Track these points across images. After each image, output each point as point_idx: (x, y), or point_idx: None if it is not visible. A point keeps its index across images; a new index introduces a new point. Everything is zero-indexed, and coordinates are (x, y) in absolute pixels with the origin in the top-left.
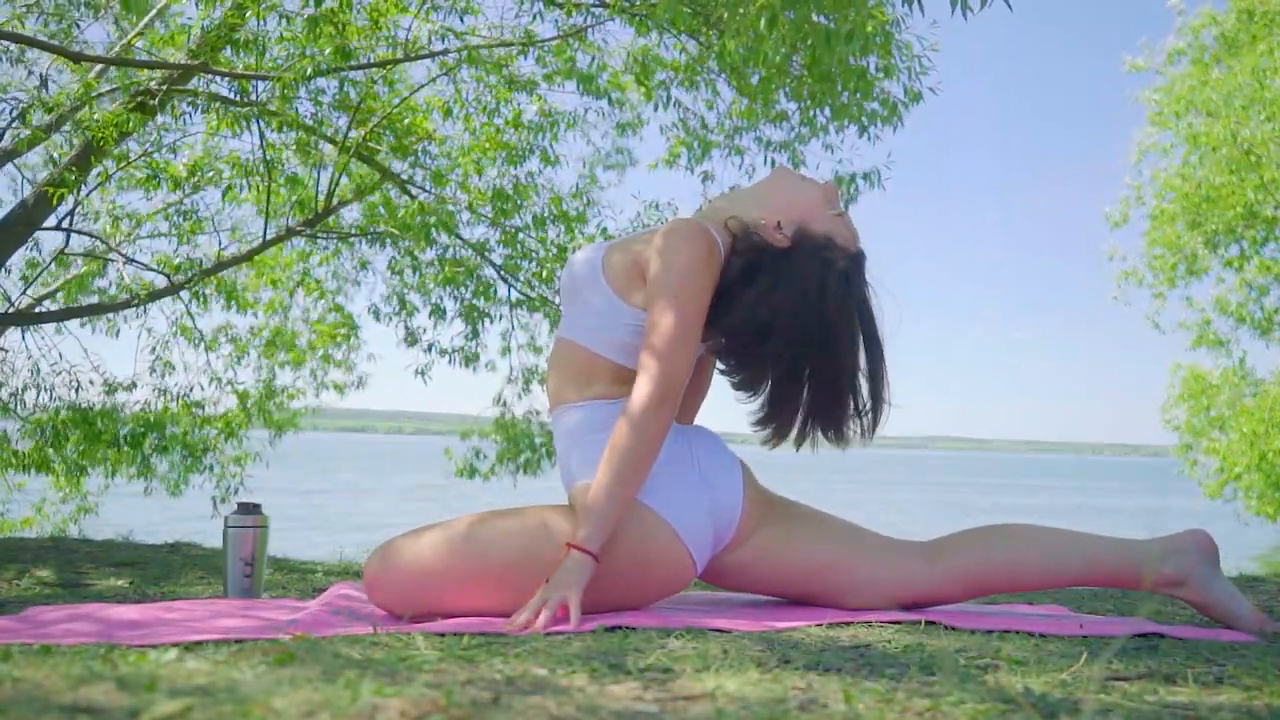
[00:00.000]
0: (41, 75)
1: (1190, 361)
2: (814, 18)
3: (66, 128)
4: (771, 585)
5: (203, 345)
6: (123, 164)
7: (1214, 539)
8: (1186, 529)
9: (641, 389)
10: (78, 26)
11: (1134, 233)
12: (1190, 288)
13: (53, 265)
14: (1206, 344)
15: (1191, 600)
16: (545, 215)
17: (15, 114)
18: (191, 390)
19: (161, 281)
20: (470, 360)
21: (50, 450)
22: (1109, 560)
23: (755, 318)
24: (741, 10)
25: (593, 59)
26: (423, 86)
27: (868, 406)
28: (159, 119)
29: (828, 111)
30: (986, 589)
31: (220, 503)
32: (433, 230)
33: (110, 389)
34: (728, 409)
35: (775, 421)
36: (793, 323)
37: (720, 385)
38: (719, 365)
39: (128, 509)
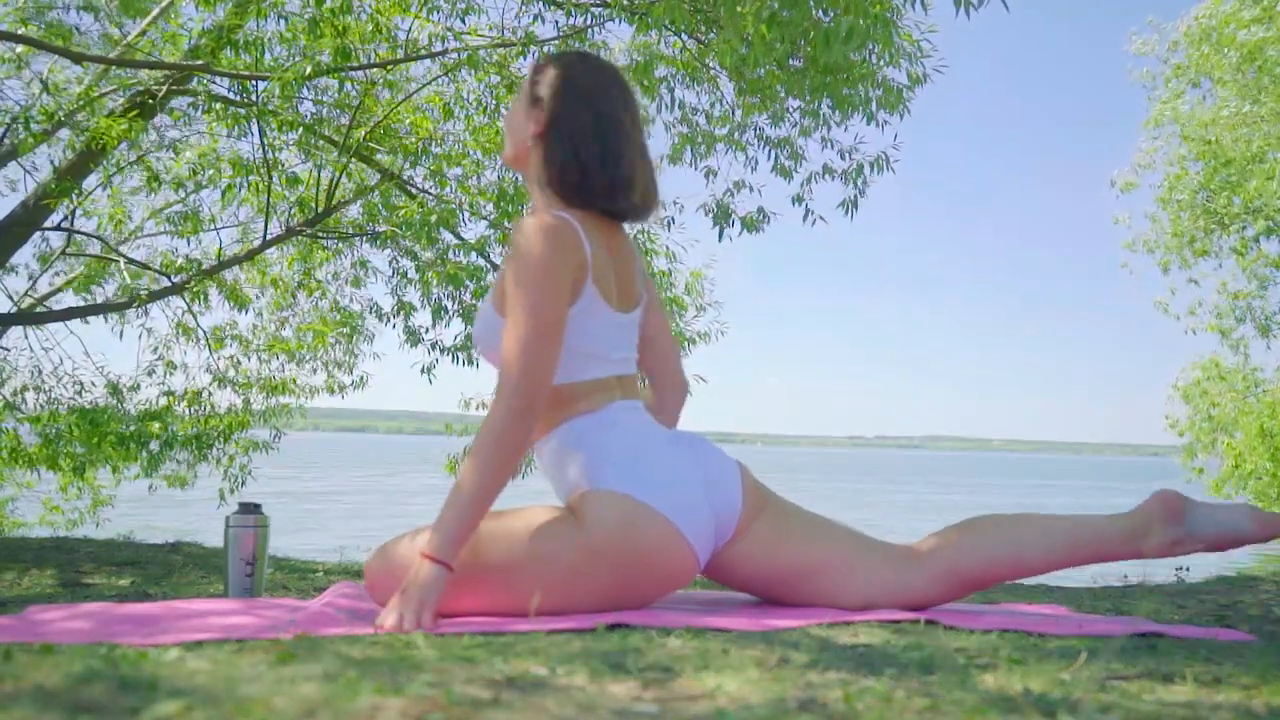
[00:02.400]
0: (43, 80)
1: (1203, 357)
2: (814, 14)
3: (66, 130)
4: (771, 581)
5: (205, 344)
6: (123, 165)
7: (1175, 490)
8: (1148, 497)
9: (499, 402)
10: (78, 30)
11: (1142, 216)
12: (1196, 269)
13: (54, 265)
14: (1211, 329)
15: (1196, 549)
16: None
17: (14, 117)
18: (192, 380)
19: (162, 281)
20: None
21: (55, 448)
22: (1105, 540)
23: (590, 159)
24: (740, 7)
25: None
26: (423, 87)
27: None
28: (159, 119)
29: (830, 102)
30: (985, 583)
31: (229, 493)
32: (435, 229)
33: (113, 389)
34: (727, 410)
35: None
36: (599, 136)
37: (716, 388)
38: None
39: (130, 508)
